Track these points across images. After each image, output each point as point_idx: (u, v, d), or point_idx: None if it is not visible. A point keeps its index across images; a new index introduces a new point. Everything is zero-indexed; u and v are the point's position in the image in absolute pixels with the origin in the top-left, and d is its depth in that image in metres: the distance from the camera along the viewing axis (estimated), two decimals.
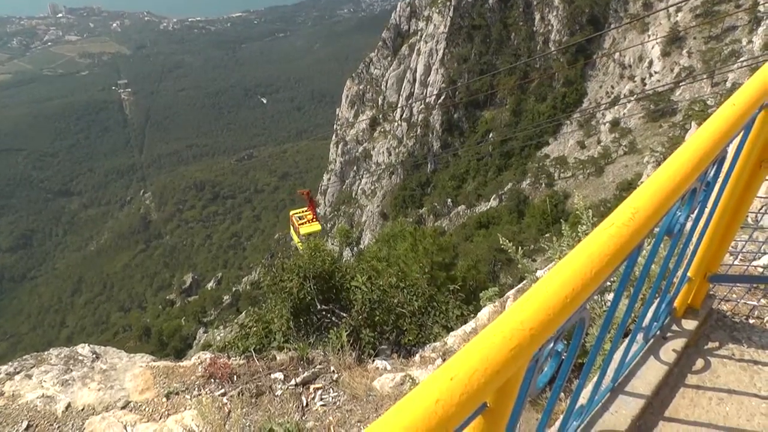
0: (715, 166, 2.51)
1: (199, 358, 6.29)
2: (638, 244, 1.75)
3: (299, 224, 35.52)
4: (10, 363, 6.22)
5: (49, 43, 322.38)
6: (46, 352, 6.51)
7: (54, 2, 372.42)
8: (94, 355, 6.36)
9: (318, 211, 41.66)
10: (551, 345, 1.52)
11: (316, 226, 35.19)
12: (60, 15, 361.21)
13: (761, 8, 65.88)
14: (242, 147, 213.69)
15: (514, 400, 1.43)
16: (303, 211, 37.74)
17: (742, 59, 64.16)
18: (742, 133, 2.71)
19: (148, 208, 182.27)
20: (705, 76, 68.47)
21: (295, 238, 35.88)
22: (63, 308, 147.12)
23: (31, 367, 6.09)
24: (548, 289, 1.38)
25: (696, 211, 2.70)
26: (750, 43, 67.95)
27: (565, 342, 1.81)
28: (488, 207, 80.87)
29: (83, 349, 6.45)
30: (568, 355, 1.85)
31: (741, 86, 2.42)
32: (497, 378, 1.20)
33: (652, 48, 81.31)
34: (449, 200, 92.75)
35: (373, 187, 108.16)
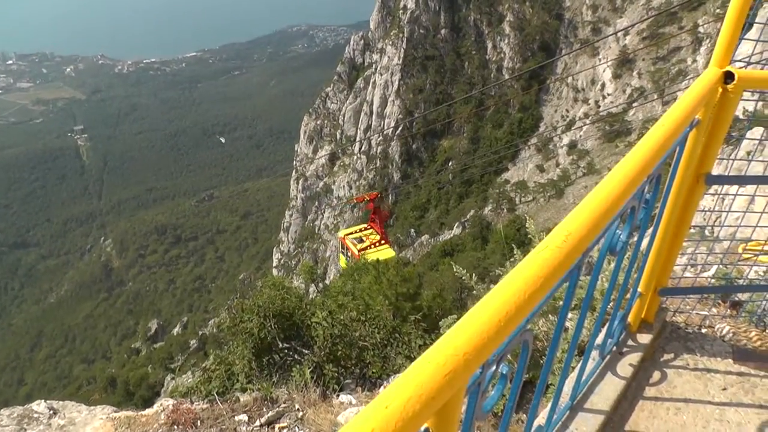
0: (654, 184, 2.59)
1: (161, 405, 6.14)
2: (575, 265, 1.80)
3: (359, 249, 25.44)
4: None
5: (0, 92, 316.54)
6: None
7: (3, 50, 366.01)
8: (51, 411, 6.15)
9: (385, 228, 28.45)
10: (494, 368, 1.54)
11: (386, 252, 24.88)
12: (10, 62, 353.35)
13: (701, 29, 68.42)
14: (202, 188, 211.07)
15: (456, 424, 1.43)
16: (361, 230, 27.67)
17: (688, 77, 66.41)
18: (677, 151, 2.81)
19: (110, 256, 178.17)
20: (656, 96, 70.54)
21: (344, 266, 25.34)
22: (21, 365, 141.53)
23: None
24: (482, 314, 1.38)
25: (639, 229, 2.78)
26: (694, 62, 70.47)
27: (514, 364, 1.84)
28: (452, 235, 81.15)
29: (39, 406, 6.23)
30: (516, 377, 1.88)
31: (670, 107, 2.51)
32: (433, 404, 1.20)
33: (604, 71, 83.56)
34: (412, 230, 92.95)
35: (335, 222, 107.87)
